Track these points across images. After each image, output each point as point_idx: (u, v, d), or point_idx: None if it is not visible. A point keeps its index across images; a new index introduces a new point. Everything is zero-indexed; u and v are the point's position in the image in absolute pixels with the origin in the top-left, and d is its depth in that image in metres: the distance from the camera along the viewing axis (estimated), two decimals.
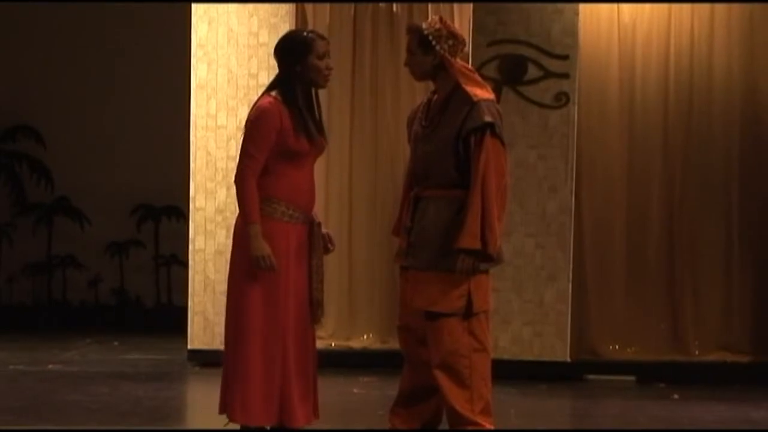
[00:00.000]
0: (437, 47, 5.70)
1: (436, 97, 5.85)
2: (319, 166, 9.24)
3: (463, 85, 5.70)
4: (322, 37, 5.57)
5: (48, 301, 12.96)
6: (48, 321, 12.40)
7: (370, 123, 9.49)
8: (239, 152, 5.47)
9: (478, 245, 5.56)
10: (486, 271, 5.71)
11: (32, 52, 12.78)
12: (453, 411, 5.67)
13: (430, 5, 9.30)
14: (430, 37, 5.70)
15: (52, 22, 12.70)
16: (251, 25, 9.08)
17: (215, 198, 9.07)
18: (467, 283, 5.63)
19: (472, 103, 5.63)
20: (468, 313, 5.65)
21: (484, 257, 5.61)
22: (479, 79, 5.86)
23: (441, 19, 5.86)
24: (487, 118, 5.60)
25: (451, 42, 5.72)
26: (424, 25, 5.77)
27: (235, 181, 5.45)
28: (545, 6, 8.86)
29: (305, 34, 5.62)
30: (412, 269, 5.74)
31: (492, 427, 5.71)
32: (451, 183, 5.68)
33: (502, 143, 5.68)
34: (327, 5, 9.38)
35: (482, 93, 5.71)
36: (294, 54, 5.49)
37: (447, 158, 5.68)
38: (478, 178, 5.58)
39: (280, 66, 5.56)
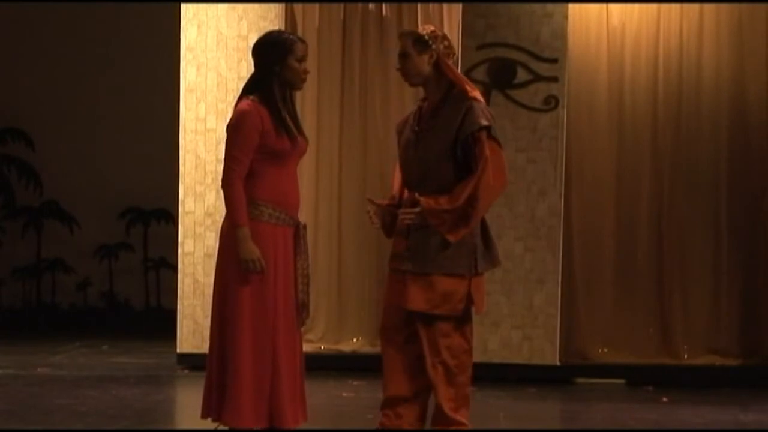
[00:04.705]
0: (433, 46, 5.75)
1: (426, 103, 5.89)
2: (309, 168, 9.32)
3: (460, 84, 5.78)
4: (302, 41, 5.63)
5: (37, 305, 12.96)
6: (37, 324, 12.39)
7: (360, 125, 9.49)
8: (224, 157, 5.49)
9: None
10: (481, 274, 5.78)
11: (23, 56, 12.78)
12: (440, 408, 5.75)
13: (419, 6, 9.30)
14: (426, 37, 5.76)
15: (43, 26, 12.71)
16: (240, 29, 9.08)
17: (204, 201, 9.06)
18: (467, 287, 5.69)
19: (468, 104, 5.69)
20: (465, 315, 5.71)
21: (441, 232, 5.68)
22: (470, 81, 5.94)
23: (434, 25, 5.95)
24: (483, 122, 5.67)
25: (446, 43, 5.81)
26: (418, 28, 5.86)
27: (222, 186, 5.46)
28: (534, 9, 8.86)
29: (286, 35, 5.67)
30: (410, 273, 5.75)
31: (468, 423, 5.78)
32: (448, 187, 5.72)
33: (499, 144, 5.75)
34: (316, 8, 9.39)
35: (475, 93, 5.78)
36: (274, 54, 5.53)
37: (444, 162, 5.73)
38: (476, 174, 5.64)
39: (258, 65, 5.58)
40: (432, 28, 5.86)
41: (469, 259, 5.73)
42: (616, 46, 9.25)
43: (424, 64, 5.79)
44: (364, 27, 9.44)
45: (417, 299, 5.72)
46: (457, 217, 5.67)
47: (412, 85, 5.96)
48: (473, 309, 5.78)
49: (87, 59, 12.70)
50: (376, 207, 5.94)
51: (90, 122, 12.82)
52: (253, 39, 6.33)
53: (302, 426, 5.57)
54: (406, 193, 5.96)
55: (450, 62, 5.85)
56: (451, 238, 5.68)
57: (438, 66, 5.80)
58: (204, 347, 8.47)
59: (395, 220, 5.93)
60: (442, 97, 5.81)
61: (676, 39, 9.23)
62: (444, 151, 5.73)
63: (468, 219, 5.68)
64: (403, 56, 5.82)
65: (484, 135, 5.69)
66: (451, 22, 9.22)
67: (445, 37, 5.84)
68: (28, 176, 13.01)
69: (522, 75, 8.86)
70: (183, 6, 9.15)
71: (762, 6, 9.13)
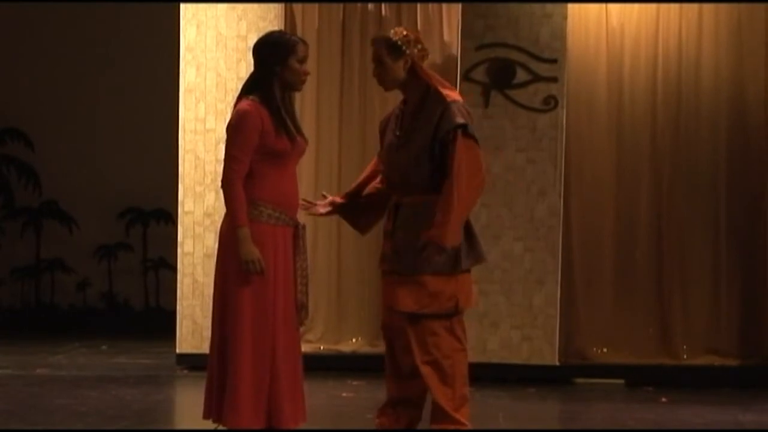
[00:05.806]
0: (407, 51, 5.78)
1: (405, 106, 5.93)
2: (308, 169, 9.32)
3: (435, 86, 5.80)
4: (303, 42, 5.65)
5: (36, 305, 12.95)
6: (36, 324, 12.38)
7: (359, 125, 9.49)
8: (224, 157, 5.50)
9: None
10: (468, 270, 5.81)
11: (23, 56, 12.77)
12: (437, 407, 5.79)
13: (419, 6, 9.31)
14: (399, 43, 5.79)
15: (42, 26, 12.70)
16: (240, 29, 9.08)
17: (204, 201, 9.07)
18: (454, 284, 5.72)
19: (445, 105, 5.73)
20: (454, 314, 5.75)
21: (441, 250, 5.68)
22: (446, 82, 5.96)
23: (406, 28, 5.96)
24: (459, 120, 5.72)
25: (420, 46, 5.85)
26: (389, 34, 5.87)
27: (222, 185, 5.48)
28: (534, 10, 8.87)
29: (287, 36, 5.69)
30: (397, 274, 5.80)
31: (468, 423, 5.80)
32: (428, 188, 5.78)
33: (476, 142, 5.77)
34: (316, 8, 9.39)
35: (453, 94, 5.81)
36: (275, 54, 5.54)
37: (423, 164, 5.80)
38: (451, 177, 5.66)
39: (259, 65, 5.58)
40: (404, 32, 5.87)
41: (453, 257, 5.77)
42: (616, 47, 9.25)
43: (399, 70, 5.84)
44: (364, 27, 9.44)
45: (406, 301, 5.77)
46: (457, 224, 5.70)
47: (387, 90, 6.02)
48: (460, 307, 5.81)
49: (87, 59, 12.67)
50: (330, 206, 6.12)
51: (90, 122, 12.79)
52: (252, 39, 6.36)
53: (302, 426, 5.58)
54: (371, 185, 6.09)
55: (425, 64, 5.88)
56: (449, 245, 5.69)
57: (413, 70, 5.83)
58: (203, 347, 8.50)
59: (356, 208, 6.05)
60: (420, 99, 5.86)
61: (675, 39, 9.23)
62: (423, 151, 5.78)
63: (462, 222, 5.74)
64: (379, 63, 5.84)
65: (459, 133, 5.72)
66: (450, 23, 9.23)
67: (418, 40, 5.86)
68: (28, 176, 12.99)
69: (521, 75, 8.87)
70: (182, 6, 9.16)
71: (761, 6, 9.14)
